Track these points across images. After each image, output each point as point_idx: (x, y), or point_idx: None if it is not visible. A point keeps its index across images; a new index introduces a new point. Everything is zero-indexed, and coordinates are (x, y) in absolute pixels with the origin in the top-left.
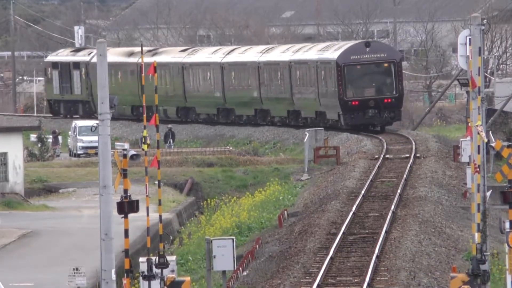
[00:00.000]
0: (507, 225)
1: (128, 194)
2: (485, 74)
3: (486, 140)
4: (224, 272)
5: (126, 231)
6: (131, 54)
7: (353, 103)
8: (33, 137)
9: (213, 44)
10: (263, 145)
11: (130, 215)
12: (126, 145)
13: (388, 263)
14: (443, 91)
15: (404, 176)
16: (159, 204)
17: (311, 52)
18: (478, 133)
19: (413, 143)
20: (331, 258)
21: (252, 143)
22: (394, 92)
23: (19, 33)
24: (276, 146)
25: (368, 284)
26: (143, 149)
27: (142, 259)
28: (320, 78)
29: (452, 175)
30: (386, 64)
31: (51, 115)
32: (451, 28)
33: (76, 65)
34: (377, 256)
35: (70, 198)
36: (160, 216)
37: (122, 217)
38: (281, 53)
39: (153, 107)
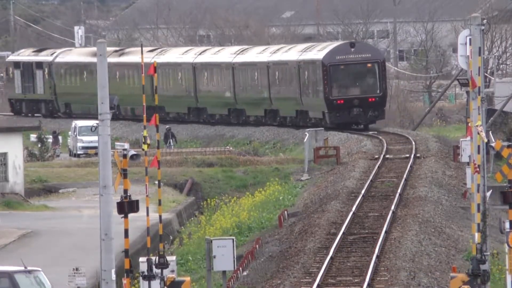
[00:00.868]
0: (507, 225)
1: (128, 194)
2: (485, 74)
3: (486, 140)
4: (224, 272)
5: (126, 231)
6: (94, 54)
7: (338, 101)
8: (33, 137)
9: (213, 44)
10: (263, 145)
11: (130, 215)
12: (126, 145)
13: (388, 263)
14: (443, 91)
15: (404, 176)
16: (159, 204)
17: (291, 53)
18: (478, 133)
19: (413, 143)
20: (331, 258)
21: (252, 143)
22: (378, 91)
23: (19, 33)
24: (276, 146)
25: (368, 284)
26: (143, 149)
27: (142, 259)
28: (303, 78)
29: (452, 175)
30: (370, 65)
31: (12, 114)
32: (451, 28)
33: (39, 64)
34: (377, 256)
35: (70, 198)
36: (160, 216)
37: (122, 217)
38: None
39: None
